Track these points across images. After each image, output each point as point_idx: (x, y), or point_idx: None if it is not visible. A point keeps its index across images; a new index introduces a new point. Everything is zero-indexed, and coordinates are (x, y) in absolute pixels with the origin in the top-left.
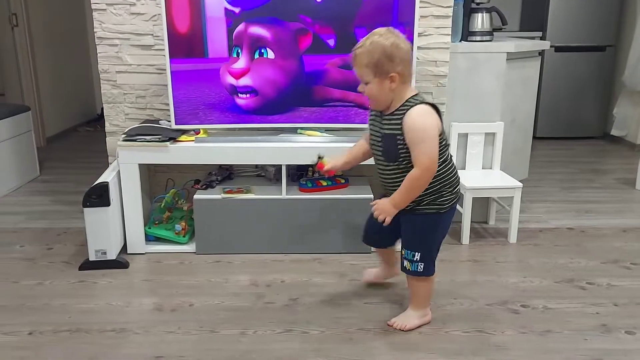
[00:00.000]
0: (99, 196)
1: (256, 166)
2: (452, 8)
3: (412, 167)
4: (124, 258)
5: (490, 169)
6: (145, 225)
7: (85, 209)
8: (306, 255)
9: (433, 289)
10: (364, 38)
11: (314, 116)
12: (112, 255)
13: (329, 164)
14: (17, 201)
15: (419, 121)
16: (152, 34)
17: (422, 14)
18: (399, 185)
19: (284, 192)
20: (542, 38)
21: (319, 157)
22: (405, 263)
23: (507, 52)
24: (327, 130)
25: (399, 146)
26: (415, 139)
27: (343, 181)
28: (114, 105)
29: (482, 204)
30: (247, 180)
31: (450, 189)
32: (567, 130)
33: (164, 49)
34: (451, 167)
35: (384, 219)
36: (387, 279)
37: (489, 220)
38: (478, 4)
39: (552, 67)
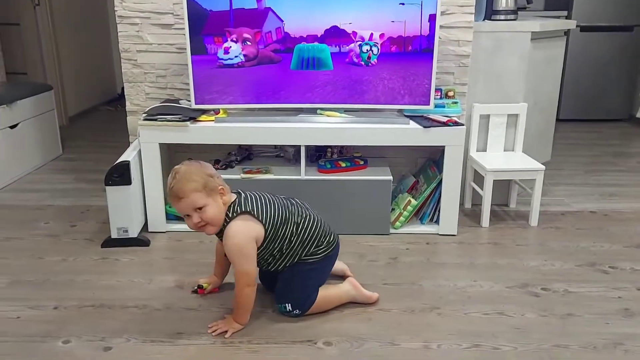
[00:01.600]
0: (121, 175)
1: (275, 146)
2: None
3: (274, 255)
4: (145, 236)
5: (512, 151)
6: (165, 204)
7: (107, 188)
8: None
9: (330, 293)
10: (170, 177)
11: (333, 96)
12: (133, 233)
13: (209, 286)
14: (40, 179)
15: (232, 241)
16: (172, 13)
17: None
18: (276, 266)
19: (303, 173)
20: (567, 17)
21: (199, 286)
22: (283, 311)
23: (532, 32)
24: (346, 111)
25: None
26: (232, 258)
27: (362, 162)
28: (135, 84)
29: (503, 186)
30: (266, 161)
31: (314, 249)
32: (592, 112)
33: (184, 28)
34: (303, 237)
35: (225, 331)
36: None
37: (509, 203)
38: None
39: (577, 48)
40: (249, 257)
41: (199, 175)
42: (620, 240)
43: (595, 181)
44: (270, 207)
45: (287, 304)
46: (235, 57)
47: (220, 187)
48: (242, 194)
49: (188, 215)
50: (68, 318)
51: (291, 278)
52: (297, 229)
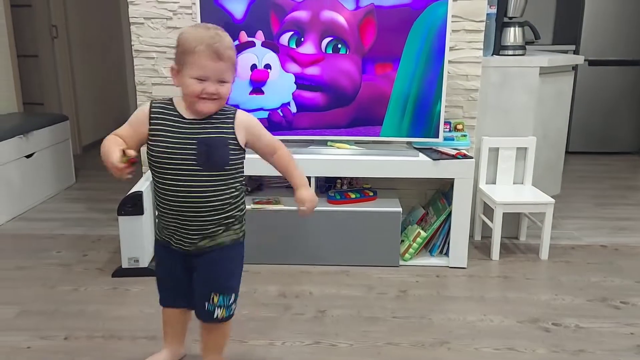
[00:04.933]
0: (133, 205)
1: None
2: (485, 22)
3: (236, 176)
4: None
5: (522, 184)
6: None
7: (120, 217)
8: (334, 267)
9: None
10: (206, 31)
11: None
12: (144, 263)
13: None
14: (54, 208)
15: (254, 118)
16: None
17: (454, 28)
18: (214, 203)
19: None
20: (576, 51)
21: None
22: (218, 312)
23: (540, 67)
24: (356, 142)
25: (232, 150)
26: (262, 130)
27: (371, 194)
28: None
29: (513, 219)
30: (276, 191)
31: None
32: (601, 145)
33: None
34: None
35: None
36: None
37: (519, 236)
38: (511, 18)
39: (585, 81)
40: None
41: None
42: (631, 275)
43: (605, 215)
44: None
45: (233, 294)
46: None
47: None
48: None
49: (203, 80)
50: (78, 349)
51: (235, 256)
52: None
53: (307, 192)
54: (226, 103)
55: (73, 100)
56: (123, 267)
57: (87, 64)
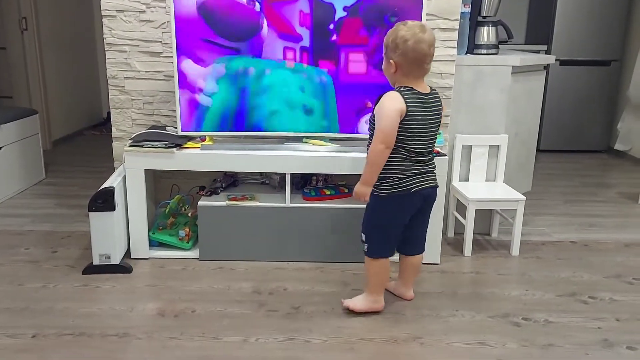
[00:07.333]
0: (105, 201)
1: (261, 174)
2: (459, 21)
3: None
4: (127, 263)
5: (494, 181)
6: (149, 231)
7: (91, 213)
8: (309, 263)
9: (382, 275)
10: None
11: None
12: (115, 259)
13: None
14: (22, 203)
15: (382, 103)
16: (160, 41)
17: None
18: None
19: (288, 201)
20: (547, 51)
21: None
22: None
23: (513, 66)
24: (331, 139)
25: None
26: (377, 115)
27: (346, 190)
28: (122, 110)
29: (485, 216)
30: (251, 188)
31: (391, 177)
32: (571, 143)
33: (172, 56)
34: (400, 156)
35: (364, 200)
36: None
37: (491, 233)
38: (484, 17)
39: (556, 81)
40: (388, 117)
41: (391, 37)
42: (599, 271)
43: (575, 211)
44: None
45: (362, 234)
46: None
47: (391, 61)
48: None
49: None
50: (46, 347)
51: (368, 206)
52: (400, 148)
53: (357, 186)
54: None
55: (43, 93)
56: (94, 263)
57: (57, 57)
